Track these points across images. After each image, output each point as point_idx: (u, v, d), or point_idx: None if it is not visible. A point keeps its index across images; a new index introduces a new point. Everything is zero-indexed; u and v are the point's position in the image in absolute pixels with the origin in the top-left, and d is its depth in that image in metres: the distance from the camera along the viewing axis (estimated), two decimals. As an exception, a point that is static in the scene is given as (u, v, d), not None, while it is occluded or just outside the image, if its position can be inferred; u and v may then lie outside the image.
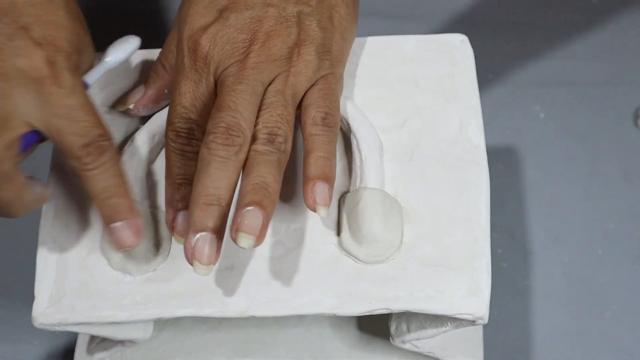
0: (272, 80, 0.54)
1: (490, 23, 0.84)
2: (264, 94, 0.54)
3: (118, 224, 0.53)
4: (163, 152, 0.59)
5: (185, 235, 0.52)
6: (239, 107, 0.52)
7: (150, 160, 0.58)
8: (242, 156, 0.52)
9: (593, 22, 0.85)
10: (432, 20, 0.85)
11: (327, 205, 0.52)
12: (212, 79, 0.54)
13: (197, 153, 0.53)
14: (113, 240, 0.53)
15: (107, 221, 0.53)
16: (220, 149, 0.52)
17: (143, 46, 0.59)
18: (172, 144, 0.54)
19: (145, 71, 0.61)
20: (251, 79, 0.53)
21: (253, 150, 0.52)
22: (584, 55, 0.83)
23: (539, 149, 0.79)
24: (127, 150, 0.58)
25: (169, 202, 0.54)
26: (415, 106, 0.59)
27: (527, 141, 0.79)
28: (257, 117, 0.53)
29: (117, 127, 0.60)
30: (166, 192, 0.55)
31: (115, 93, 0.61)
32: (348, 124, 0.58)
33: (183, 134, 0.54)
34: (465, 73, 0.60)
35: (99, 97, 0.61)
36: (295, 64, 0.55)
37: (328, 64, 0.55)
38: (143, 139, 0.58)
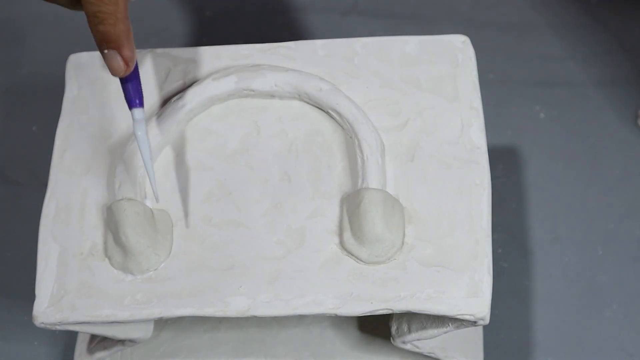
0: None
1: (490, 23, 0.84)
2: None
3: (107, 51, 0.53)
4: (165, 154, 0.59)
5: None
6: None
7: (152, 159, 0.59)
8: None
9: (593, 22, 0.85)
10: (432, 20, 0.85)
11: None
12: None
13: None
14: (107, 66, 0.53)
15: (99, 47, 0.53)
16: None
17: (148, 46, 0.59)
18: None
19: (147, 72, 0.61)
20: None
21: None
22: (584, 55, 0.83)
23: (539, 149, 0.79)
24: (129, 149, 0.58)
25: None
26: (417, 107, 0.59)
27: (527, 141, 0.79)
28: None
29: (120, 126, 0.60)
30: None
31: (117, 92, 0.61)
32: (350, 124, 0.58)
33: None
34: (466, 74, 0.60)
35: (103, 93, 0.61)
36: None
37: None
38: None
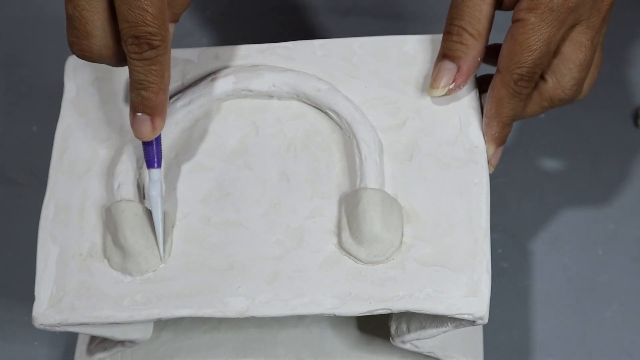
0: None
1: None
2: None
3: (140, 114, 0.54)
4: (163, 154, 0.59)
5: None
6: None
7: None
8: None
9: (593, 22, 0.84)
10: (432, 20, 0.85)
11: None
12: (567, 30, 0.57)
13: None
14: (133, 128, 0.54)
15: (133, 109, 0.54)
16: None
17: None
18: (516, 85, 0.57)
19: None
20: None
21: None
22: (584, 55, 0.83)
23: (539, 149, 0.79)
24: (128, 150, 0.58)
25: None
26: (415, 106, 0.59)
27: (527, 141, 0.79)
28: None
29: (119, 127, 0.60)
30: None
31: (116, 93, 0.61)
32: (348, 124, 0.58)
33: (527, 78, 0.57)
34: (465, 73, 0.60)
35: (102, 94, 0.61)
36: None
37: None
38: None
